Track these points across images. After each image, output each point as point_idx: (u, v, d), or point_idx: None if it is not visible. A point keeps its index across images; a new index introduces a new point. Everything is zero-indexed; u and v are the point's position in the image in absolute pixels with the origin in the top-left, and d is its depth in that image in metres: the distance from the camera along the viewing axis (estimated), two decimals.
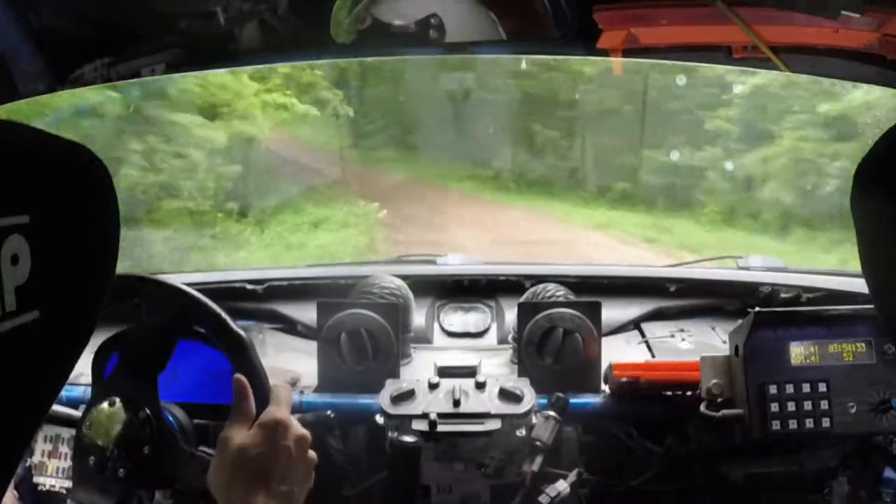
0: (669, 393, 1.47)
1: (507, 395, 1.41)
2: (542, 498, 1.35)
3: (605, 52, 1.28)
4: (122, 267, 0.60)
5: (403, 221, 6.79)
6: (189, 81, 5.82)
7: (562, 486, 1.36)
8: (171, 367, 1.09)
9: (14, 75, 1.19)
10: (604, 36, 1.23)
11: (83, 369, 1.08)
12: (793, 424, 1.35)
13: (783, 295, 1.76)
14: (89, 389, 1.17)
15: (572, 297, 1.65)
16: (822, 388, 1.35)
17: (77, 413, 1.24)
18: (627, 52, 1.29)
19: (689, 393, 1.45)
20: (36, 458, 1.48)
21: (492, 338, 1.78)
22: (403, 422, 1.37)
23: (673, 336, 1.72)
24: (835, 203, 5.92)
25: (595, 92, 7.42)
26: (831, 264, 5.13)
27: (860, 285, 0.98)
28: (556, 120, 7.71)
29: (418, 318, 1.74)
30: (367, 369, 1.50)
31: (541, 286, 1.68)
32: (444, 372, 1.51)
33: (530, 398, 1.41)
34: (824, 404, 1.35)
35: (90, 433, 1.07)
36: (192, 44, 1.25)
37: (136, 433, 1.06)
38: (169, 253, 5.74)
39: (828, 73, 1.38)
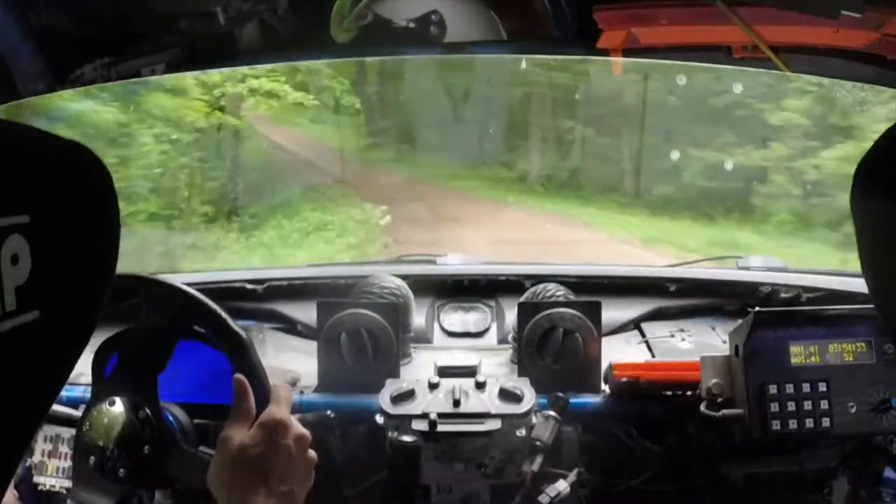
0: (669, 393, 1.47)
1: (507, 394, 1.41)
2: (542, 498, 1.35)
3: (605, 52, 1.29)
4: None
5: (427, 223, 6.26)
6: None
7: (562, 485, 1.36)
8: (171, 367, 1.09)
9: (14, 75, 1.19)
10: (604, 36, 1.24)
11: (83, 369, 1.09)
12: (793, 424, 1.35)
13: (783, 295, 1.76)
14: (89, 389, 1.17)
15: (572, 297, 1.65)
16: (822, 387, 1.35)
17: (77, 413, 1.24)
18: (627, 52, 1.29)
19: (689, 393, 1.46)
20: (36, 458, 1.48)
21: (492, 338, 1.78)
22: (403, 422, 1.37)
23: (673, 336, 1.72)
24: None
25: (639, 83, 6.46)
26: None
27: (860, 285, 0.98)
28: (590, 117, 6.91)
29: (418, 317, 1.74)
30: (367, 369, 1.50)
31: (541, 286, 1.68)
32: (444, 372, 1.51)
33: (530, 398, 1.41)
34: (824, 404, 1.35)
35: (90, 433, 1.07)
36: (192, 44, 1.25)
37: (136, 433, 1.06)
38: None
39: (828, 73, 1.38)
